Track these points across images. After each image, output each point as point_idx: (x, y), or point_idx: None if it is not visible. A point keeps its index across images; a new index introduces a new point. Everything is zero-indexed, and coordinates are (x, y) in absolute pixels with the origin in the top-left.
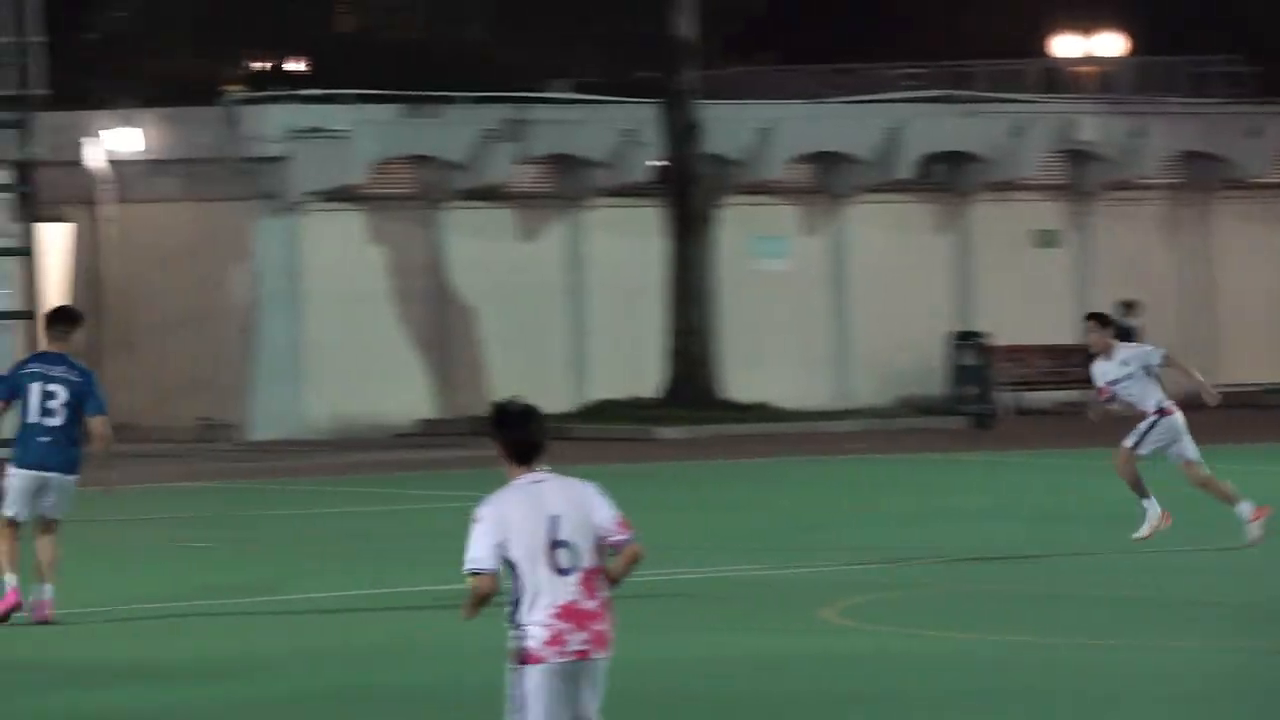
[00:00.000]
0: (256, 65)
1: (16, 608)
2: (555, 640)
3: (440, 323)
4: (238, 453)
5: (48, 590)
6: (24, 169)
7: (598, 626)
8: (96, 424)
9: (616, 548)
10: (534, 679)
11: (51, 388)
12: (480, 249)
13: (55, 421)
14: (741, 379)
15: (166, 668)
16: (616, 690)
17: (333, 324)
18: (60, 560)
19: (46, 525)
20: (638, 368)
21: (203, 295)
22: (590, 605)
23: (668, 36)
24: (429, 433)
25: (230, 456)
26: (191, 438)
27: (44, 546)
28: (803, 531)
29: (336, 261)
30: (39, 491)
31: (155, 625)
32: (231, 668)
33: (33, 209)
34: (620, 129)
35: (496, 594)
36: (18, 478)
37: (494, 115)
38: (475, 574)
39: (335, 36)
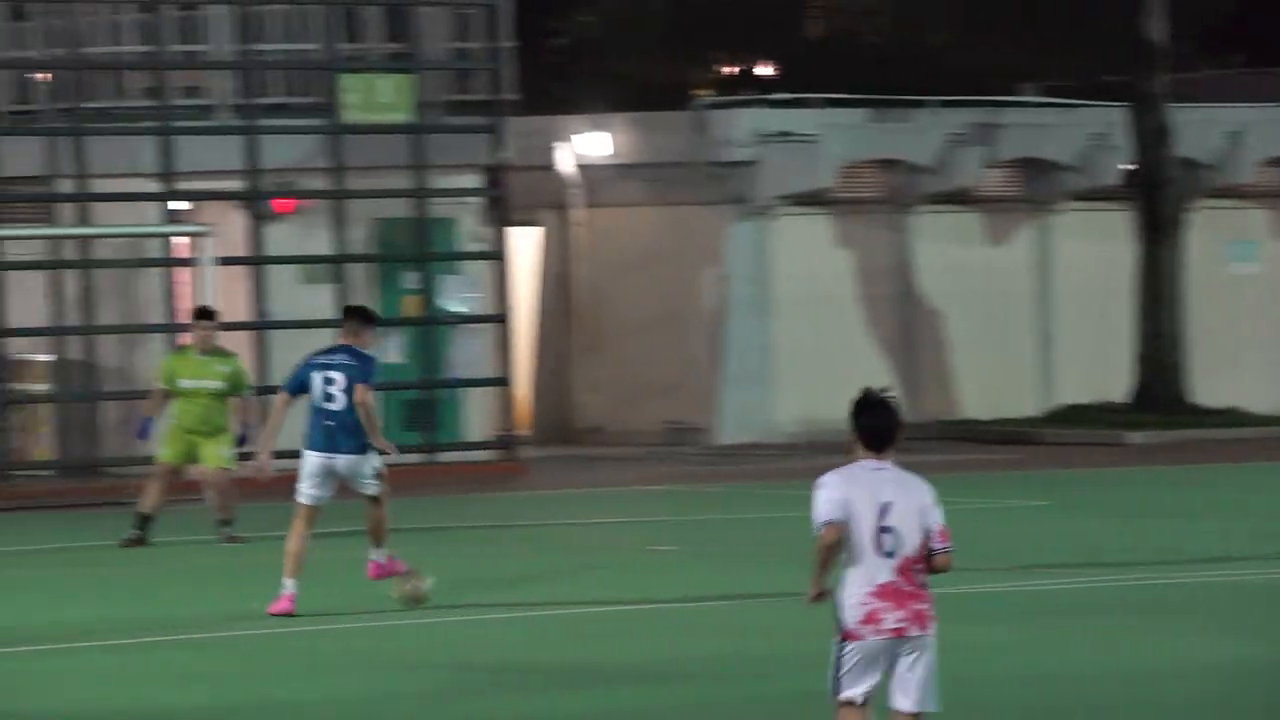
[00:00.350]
0: (725, 70)
1: (288, 614)
2: (870, 619)
3: (906, 327)
4: (705, 456)
5: (379, 554)
6: (495, 173)
7: (916, 606)
8: (357, 390)
9: (933, 553)
10: (851, 653)
11: (331, 374)
12: (947, 253)
13: (335, 406)
14: (1211, 383)
15: (616, 669)
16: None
17: (800, 328)
18: (385, 524)
19: (369, 500)
20: (1105, 372)
21: (671, 299)
22: (908, 587)
23: (1137, 39)
24: None
25: (697, 460)
26: (659, 441)
27: (370, 516)
28: None
29: (804, 265)
30: (328, 475)
31: (614, 625)
32: (683, 670)
33: (504, 213)
34: (1090, 132)
35: (842, 549)
36: (307, 461)
37: (962, 119)
38: (827, 524)
39: (804, 40)
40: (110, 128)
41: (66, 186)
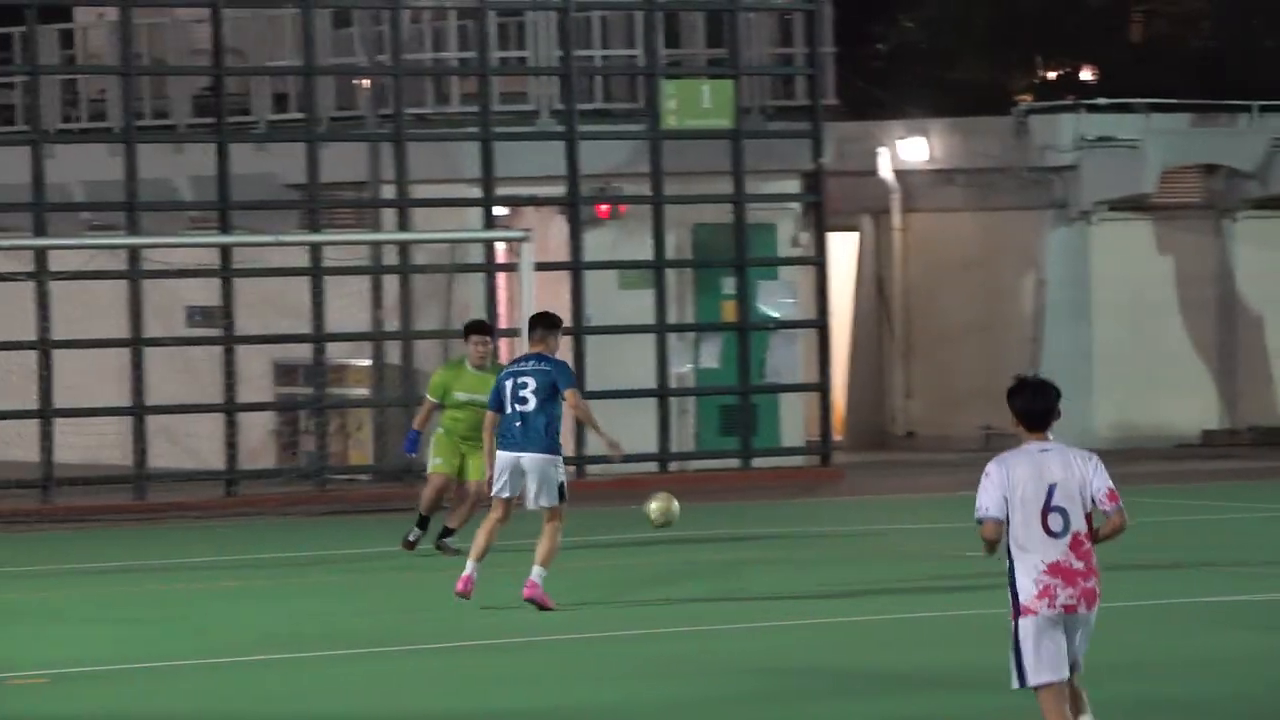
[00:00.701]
0: (1047, 74)
1: (465, 594)
2: (1044, 594)
3: (1225, 333)
4: None
5: (535, 572)
6: (814, 179)
7: (1086, 584)
8: (567, 396)
9: (1105, 514)
10: (1027, 629)
11: (523, 379)
12: (1268, 259)
13: (527, 408)
14: None
15: (931, 675)
16: None
17: (1118, 333)
18: (556, 550)
19: (545, 515)
20: None
21: (988, 304)
22: (1078, 565)
23: None
24: (1210, 443)
25: None
26: (975, 447)
27: (544, 536)
28: None
29: (1123, 271)
30: (516, 472)
31: (931, 631)
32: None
33: (822, 218)
34: None
35: (1000, 540)
36: (499, 460)
37: None
38: (984, 520)
39: (1127, 45)
40: (432, 134)
41: (387, 192)
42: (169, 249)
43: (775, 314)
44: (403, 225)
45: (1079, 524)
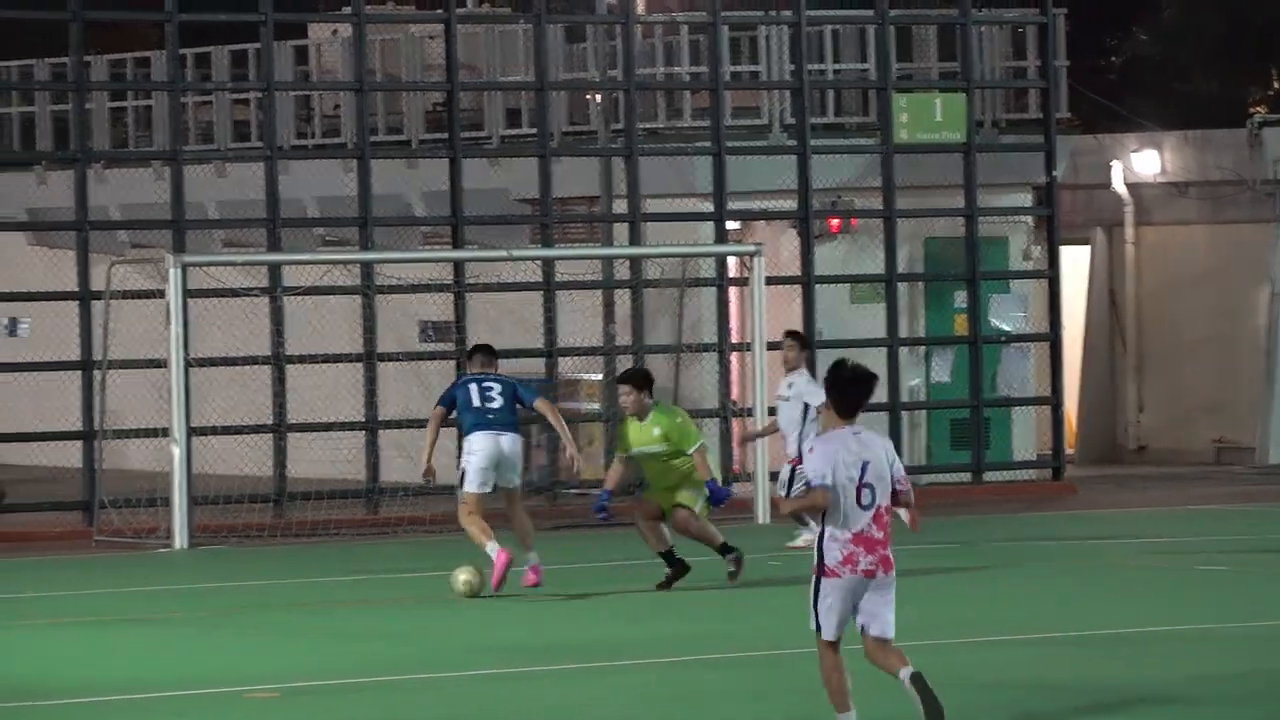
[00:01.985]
0: None
1: (507, 567)
2: (848, 560)
3: None
4: (1256, 475)
5: (531, 557)
6: (1046, 192)
7: (884, 552)
8: (540, 404)
9: (900, 495)
10: (828, 589)
11: (487, 385)
12: None
13: (495, 404)
14: None
15: (1143, 689)
16: None
17: None
18: (530, 528)
19: (510, 497)
20: None
21: (1221, 317)
22: (879, 535)
23: None
24: None
25: (1248, 479)
26: (1208, 460)
27: (516, 518)
28: None
29: None
30: (498, 462)
31: (1156, 646)
32: (1208, 694)
33: (1055, 232)
34: None
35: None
36: (477, 452)
37: None
38: (820, 487)
39: None
40: (664, 148)
41: (619, 207)
42: (402, 264)
43: (1007, 327)
44: (634, 240)
45: (883, 499)
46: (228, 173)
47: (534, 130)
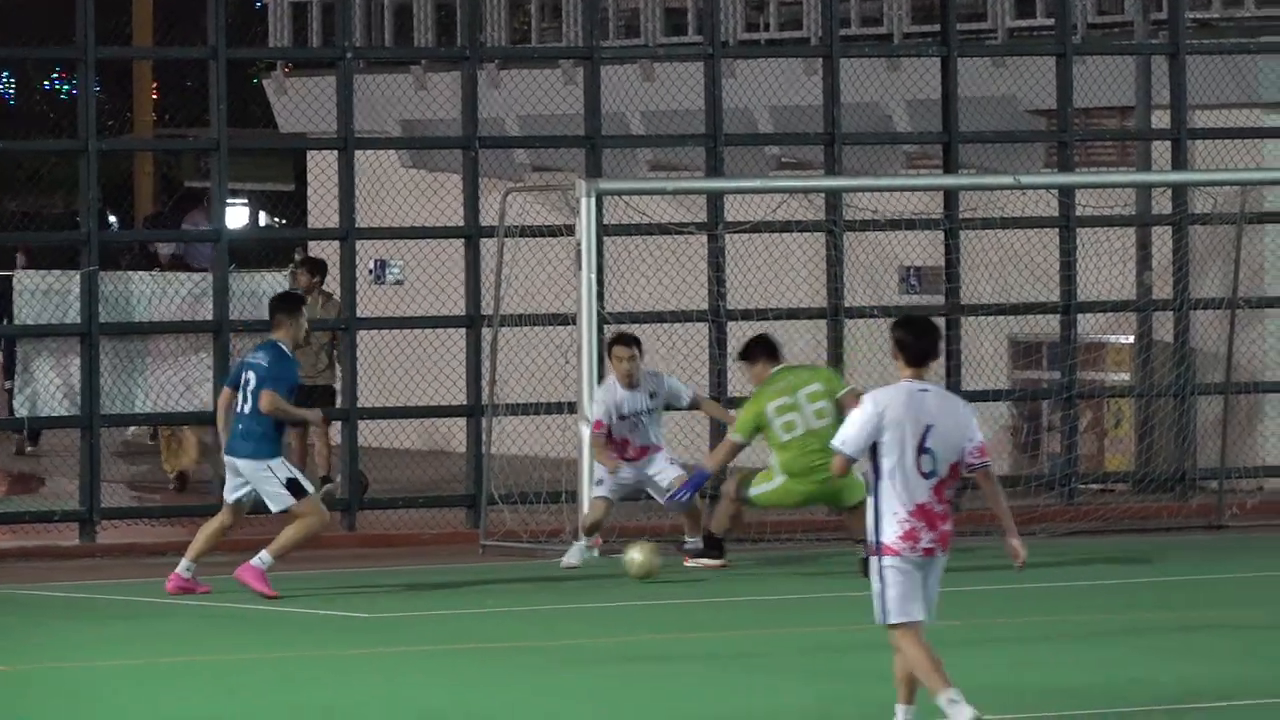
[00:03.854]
0: None
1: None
2: (909, 536)
3: None
4: None
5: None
6: None
7: (944, 528)
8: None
9: (972, 469)
10: (889, 567)
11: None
12: None
13: (246, 408)
14: None
15: None
16: None
17: None
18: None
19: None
20: None
21: None
22: (940, 509)
23: None
24: None
25: None
26: None
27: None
28: None
29: None
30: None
31: None
32: None
33: None
34: None
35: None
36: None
37: None
38: (839, 452)
39: None
40: (1219, 45)
41: (1160, 120)
42: (879, 193)
43: None
44: (1179, 163)
45: (946, 470)
46: (657, 76)
47: (1050, 21)
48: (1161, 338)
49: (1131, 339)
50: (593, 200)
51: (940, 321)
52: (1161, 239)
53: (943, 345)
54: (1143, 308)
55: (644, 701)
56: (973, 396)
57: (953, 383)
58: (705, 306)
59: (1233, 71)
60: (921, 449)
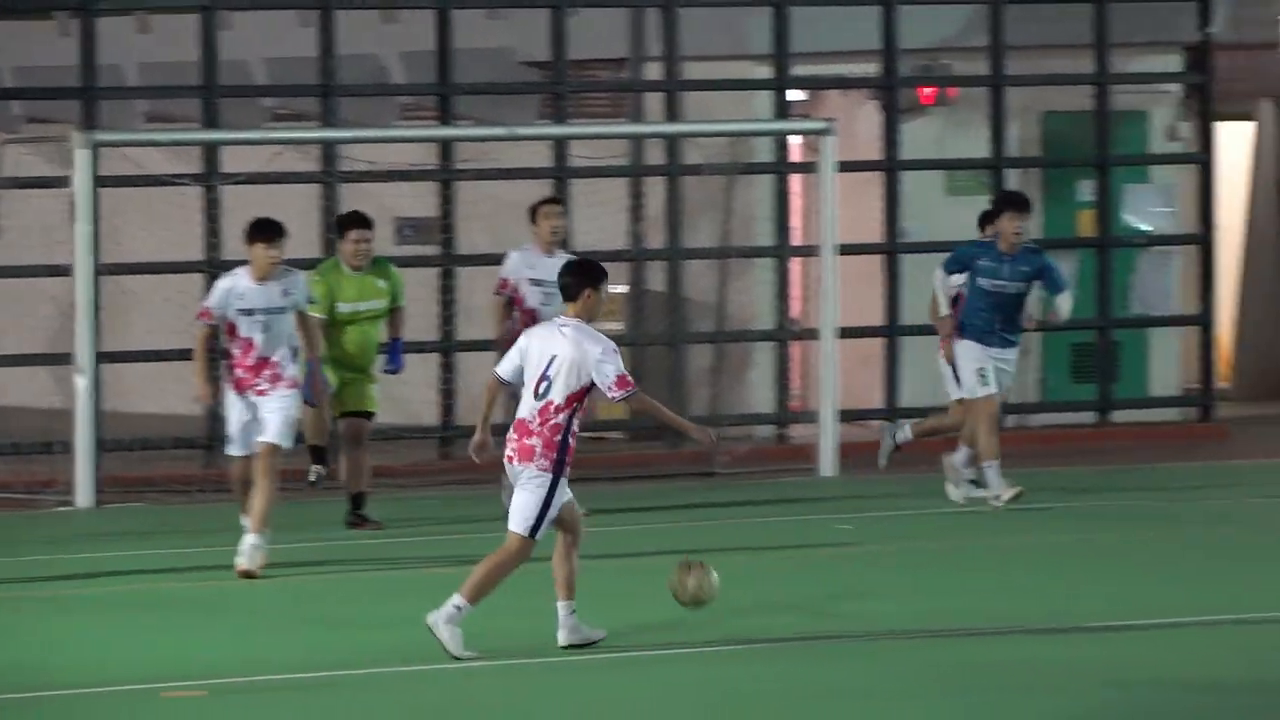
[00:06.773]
0: None
1: None
2: (508, 441)
3: None
4: None
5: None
6: (1199, 54)
7: (528, 443)
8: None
9: (614, 400)
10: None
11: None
12: None
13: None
14: None
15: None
16: None
17: None
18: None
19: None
20: None
21: None
22: (533, 426)
23: None
24: None
25: None
26: None
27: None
28: None
29: None
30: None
31: None
32: None
33: (1208, 105)
34: None
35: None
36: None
37: None
38: (494, 375)
39: None
40: None
41: (652, 72)
42: (374, 144)
43: (1146, 227)
44: (671, 114)
45: (558, 397)
46: (152, 27)
47: None
48: (653, 287)
49: (625, 288)
50: (88, 152)
51: (435, 272)
52: (655, 190)
53: (581, 287)
54: (634, 257)
55: None
56: (472, 346)
57: (447, 331)
58: (202, 258)
59: (723, 24)
60: (543, 376)
